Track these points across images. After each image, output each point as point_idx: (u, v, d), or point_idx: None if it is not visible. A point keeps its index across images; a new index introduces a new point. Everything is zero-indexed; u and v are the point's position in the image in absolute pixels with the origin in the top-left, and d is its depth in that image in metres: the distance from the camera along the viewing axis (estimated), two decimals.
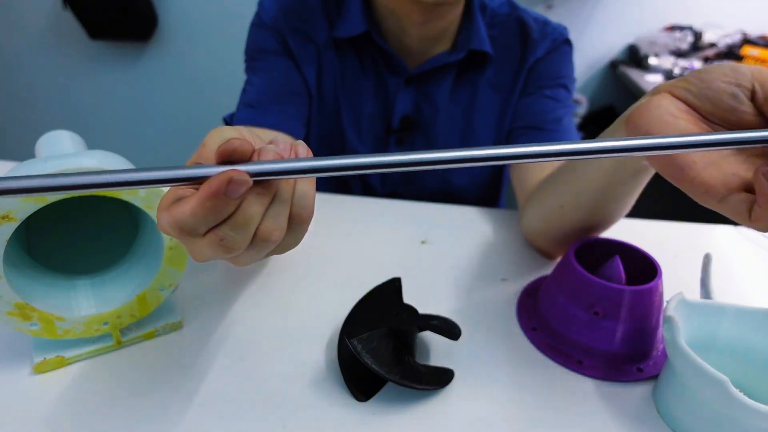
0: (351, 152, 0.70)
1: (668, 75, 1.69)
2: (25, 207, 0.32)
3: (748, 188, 0.29)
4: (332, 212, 0.64)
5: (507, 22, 0.67)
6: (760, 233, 0.67)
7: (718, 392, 0.33)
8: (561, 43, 0.68)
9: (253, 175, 0.23)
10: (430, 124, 0.69)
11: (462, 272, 0.55)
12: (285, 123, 0.63)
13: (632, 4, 1.85)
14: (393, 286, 0.47)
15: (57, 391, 0.37)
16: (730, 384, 0.32)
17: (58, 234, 0.43)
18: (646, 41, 1.83)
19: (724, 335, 0.40)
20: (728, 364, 0.39)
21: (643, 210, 0.60)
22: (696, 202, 0.31)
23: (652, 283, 0.42)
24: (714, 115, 0.32)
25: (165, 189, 0.30)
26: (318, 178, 0.36)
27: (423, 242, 0.60)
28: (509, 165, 0.68)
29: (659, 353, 0.44)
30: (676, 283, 0.46)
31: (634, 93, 1.66)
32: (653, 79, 1.70)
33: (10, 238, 0.33)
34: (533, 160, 0.24)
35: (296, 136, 0.64)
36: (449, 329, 0.41)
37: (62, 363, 0.39)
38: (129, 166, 0.38)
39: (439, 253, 0.58)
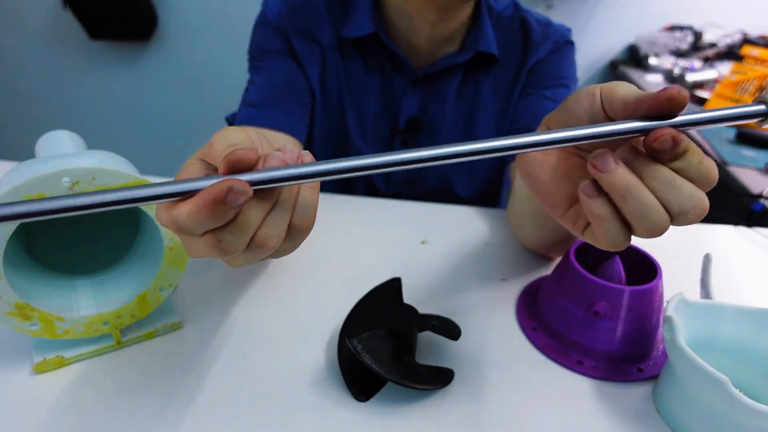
0: (355, 153, 0.70)
1: (668, 75, 1.69)
2: None
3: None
4: (332, 212, 0.64)
5: (510, 24, 0.67)
6: (760, 233, 0.67)
7: (718, 392, 0.33)
8: (563, 45, 0.68)
9: (254, 183, 0.23)
10: (436, 125, 0.69)
11: (462, 272, 0.54)
12: (287, 123, 0.63)
13: (632, 4, 1.85)
14: (393, 286, 0.47)
15: (57, 391, 0.37)
16: (730, 384, 0.32)
17: (58, 234, 0.43)
18: (646, 41, 1.83)
19: (724, 335, 0.40)
20: (728, 364, 0.39)
21: None
22: None
23: (652, 283, 0.42)
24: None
25: None
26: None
27: (423, 242, 0.60)
28: (509, 165, 0.68)
29: (659, 353, 0.44)
30: (676, 283, 0.46)
31: None
32: (653, 79, 1.70)
33: (10, 238, 0.33)
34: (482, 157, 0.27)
35: (298, 136, 0.64)
36: (449, 329, 0.41)
37: (62, 363, 0.39)
38: (129, 166, 0.38)
39: (439, 253, 0.58)
